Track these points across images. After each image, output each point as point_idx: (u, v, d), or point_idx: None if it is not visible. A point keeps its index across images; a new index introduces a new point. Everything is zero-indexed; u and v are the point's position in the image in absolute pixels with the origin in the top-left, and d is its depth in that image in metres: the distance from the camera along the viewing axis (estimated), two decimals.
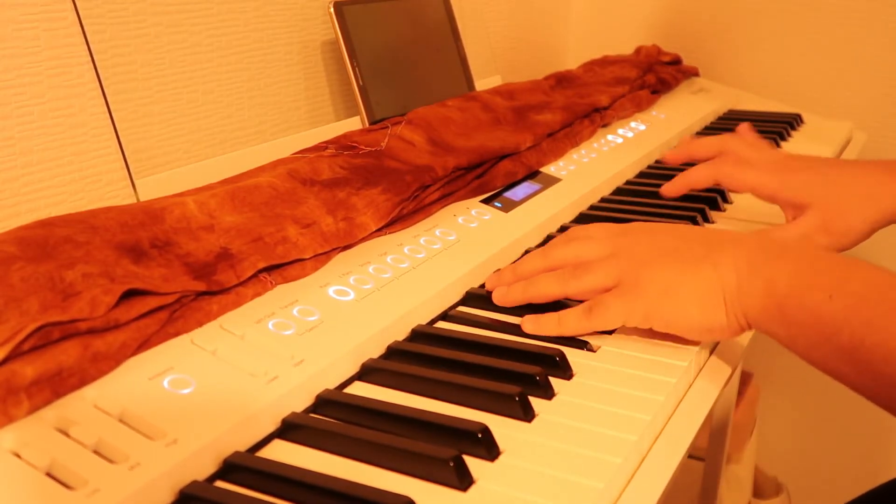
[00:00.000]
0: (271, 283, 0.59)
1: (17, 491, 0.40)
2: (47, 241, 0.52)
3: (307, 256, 0.62)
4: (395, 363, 0.58)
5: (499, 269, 0.69)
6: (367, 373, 0.57)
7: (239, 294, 0.57)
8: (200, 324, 0.54)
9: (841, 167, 0.80)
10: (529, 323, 0.62)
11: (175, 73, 0.80)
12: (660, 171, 1.04)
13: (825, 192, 0.77)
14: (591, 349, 0.60)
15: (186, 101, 0.81)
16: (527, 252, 0.77)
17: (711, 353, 0.63)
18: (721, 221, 0.88)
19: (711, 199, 0.91)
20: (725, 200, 0.93)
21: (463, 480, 0.45)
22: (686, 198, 0.92)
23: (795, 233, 0.76)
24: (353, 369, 0.57)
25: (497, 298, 0.65)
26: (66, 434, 0.43)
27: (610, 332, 0.62)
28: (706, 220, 0.87)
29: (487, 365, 0.56)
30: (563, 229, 0.83)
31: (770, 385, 1.56)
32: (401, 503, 0.43)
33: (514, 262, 0.68)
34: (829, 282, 0.54)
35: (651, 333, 0.61)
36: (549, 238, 0.81)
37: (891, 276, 0.53)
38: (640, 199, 0.93)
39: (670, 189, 0.85)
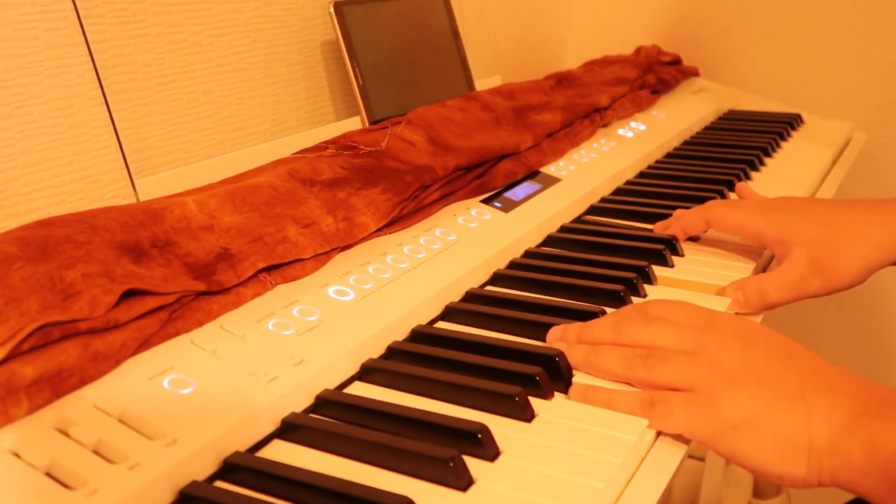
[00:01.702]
0: (271, 283, 0.59)
1: (16, 491, 0.40)
2: (47, 241, 0.52)
3: (307, 256, 0.62)
4: (395, 363, 0.58)
5: (563, 325, 0.62)
6: (367, 373, 0.57)
7: (239, 294, 0.57)
8: (200, 324, 0.54)
9: (829, 205, 0.75)
10: (578, 392, 0.55)
11: (175, 73, 0.80)
12: (660, 171, 1.04)
13: (812, 229, 0.72)
14: None
15: (186, 101, 0.81)
16: (526, 252, 0.77)
17: None
18: None
19: (711, 199, 0.91)
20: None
21: (463, 480, 0.45)
22: (686, 198, 0.92)
23: (782, 278, 0.69)
24: (353, 369, 0.57)
25: (560, 350, 0.58)
26: (66, 434, 0.43)
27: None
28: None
29: (487, 365, 0.56)
30: (563, 229, 0.84)
31: None
32: (401, 503, 0.43)
33: (585, 322, 0.61)
34: None
35: None
36: (549, 238, 0.81)
37: None
38: (640, 199, 0.93)
39: (663, 231, 0.81)
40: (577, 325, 0.61)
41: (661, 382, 0.54)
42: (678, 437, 0.52)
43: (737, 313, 0.68)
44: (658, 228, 0.82)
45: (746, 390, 0.52)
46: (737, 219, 0.76)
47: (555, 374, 0.56)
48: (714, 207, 0.78)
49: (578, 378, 0.57)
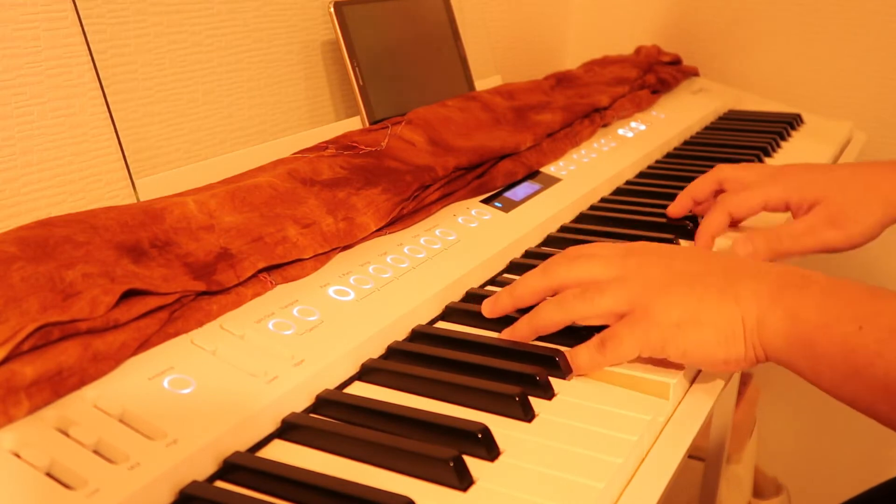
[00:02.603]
0: (271, 283, 0.59)
1: (16, 491, 0.40)
2: (47, 241, 0.52)
3: (307, 256, 0.62)
4: (395, 363, 0.58)
5: (493, 296, 0.63)
6: (367, 373, 0.57)
7: (239, 294, 0.57)
8: (200, 324, 0.54)
9: (841, 166, 0.79)
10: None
11: (175, 73, 0.80)
12: (660, 171, 1.04)
13: (828, 187, 0.76)
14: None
15: (186, 101, 0.81)
16: (526, 252, 0.77)
17: None
18: None
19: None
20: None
21: (463, 480, 0.45)
22: None
23: (802, 227, 0.75)
24: (353, 369, 0.57)
25: (505, 334, 0.61)
26: (66, 434, 0.43)
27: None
28: None
29: (487, 365, 0.56)
30: (563, 229, 0.84)
31: (770, 385, 1.56)
32: (401, 503, 0.43)
33: (510, 285, 0.63)
34: (858, 312, 0.51)
35: None
36: (549, 238, 0.81)
37: None
38: (641, 199, 0.93)
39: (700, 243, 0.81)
40: (505, 289, 0.63)
41: (601, 312, 0.58)
42: (678, 437, 0.52)
43: None
44: (670, 211, 0.84)
45: (678, 292, 0.56)
46: (757, 199, 0.79)
47: (557, 372, 0.56)
48: (730, 199, 0.79)
49: (577, 380, 0.57)
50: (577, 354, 0.57)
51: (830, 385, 0.53)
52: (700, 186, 0.83)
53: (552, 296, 0.61)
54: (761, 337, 0.55)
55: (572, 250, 0.63)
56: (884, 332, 0.50)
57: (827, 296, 0.54)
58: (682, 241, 0.79)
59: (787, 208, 0.78)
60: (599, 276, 0.59)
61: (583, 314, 0.58)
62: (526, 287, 0.62)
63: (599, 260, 0.60)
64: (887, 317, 0.51)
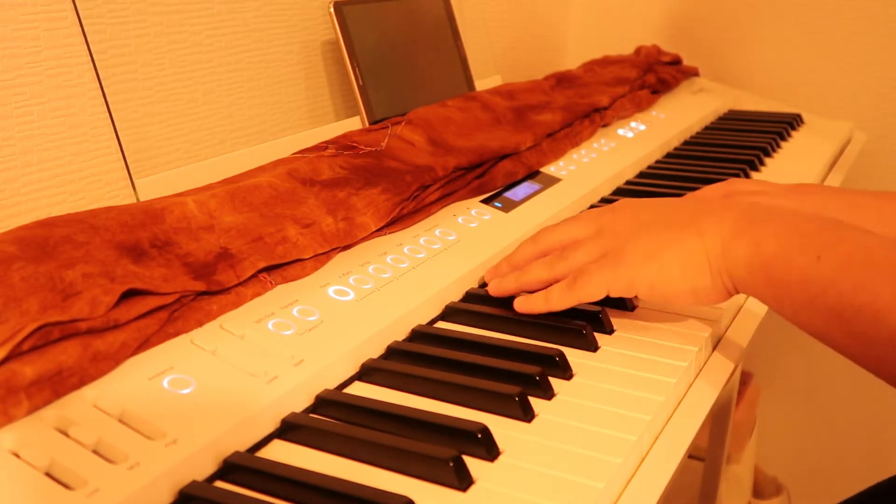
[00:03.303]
0: (271, 283, 0.59)
1: (16, 491, 0.40)
2: (47, 241, 0.52)
3: (307, 256, 0.62)
4: (395, 363, 0.58)
5: (494, 268, 0.70)
6: (367, 373, 0.57)
7: (239, 294, 0.57)
8: (200, 324, 0.54)
9: (857, 194, 0.76)
10: (520, 303, 0.63)
11: (175, 73, 0.80)
12: (660, 171, 1.04)
13: (840, 213, 0.71)
14: (611, 329, 0.63)
15: (186, 101, 0.81)
16: None
17: (711, 353, 0.63)
18: None
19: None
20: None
21: (462, 480, 0.45)
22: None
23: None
24: (353, 369, 0.57)
25: (492, 290, 0.66)
26: (66, 434, 0.43)
27: (599, 304, 0.63)
28: None
29: (487, 365, 0.56)
30: None
31: (770, 385, 1.56)
32: (400, 503, 0.43)
33: (510, 254, 0.69)
34: (818, 243, 0.54)
35: (650, 332, 0.61)
36: None
37: (879, 239, 0.54)
38: (640, 199, 0.93)
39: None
40: (504, 258, 0.69)
41: (579, 264, 0.62)
42: (678, 437, 0.52)
43: None
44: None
45: (644, 235, 0.61)
46: None
47: (556, 372, 0.56)
48: (740, 195, 0.77)
49: (577, 373, 0.57)
50: (549, 293, 0.62)
51: (791, 313, 0.55)
52: (711, 191, 0.81)
53: None
54: (727, 267, 0.57)
55: (563, 220, 0.69)
56: (839, 261, 0.52)
57: (789, 227, 0.56)
58: None
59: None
60: (579, 235, 0.65)
61: (563, 270, 0.63)
62: (520, 254, 0.68)
63: (580, 222, 0.66)
64: (844, 246, 0.53)
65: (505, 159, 0.87)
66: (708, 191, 0.82)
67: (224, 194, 0.64)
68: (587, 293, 0.61)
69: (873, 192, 0.77)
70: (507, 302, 0.67)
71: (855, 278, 0.51)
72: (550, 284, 0.64)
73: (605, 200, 0.93)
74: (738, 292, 0.59)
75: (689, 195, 0.82)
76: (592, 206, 0.90)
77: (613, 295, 0.61)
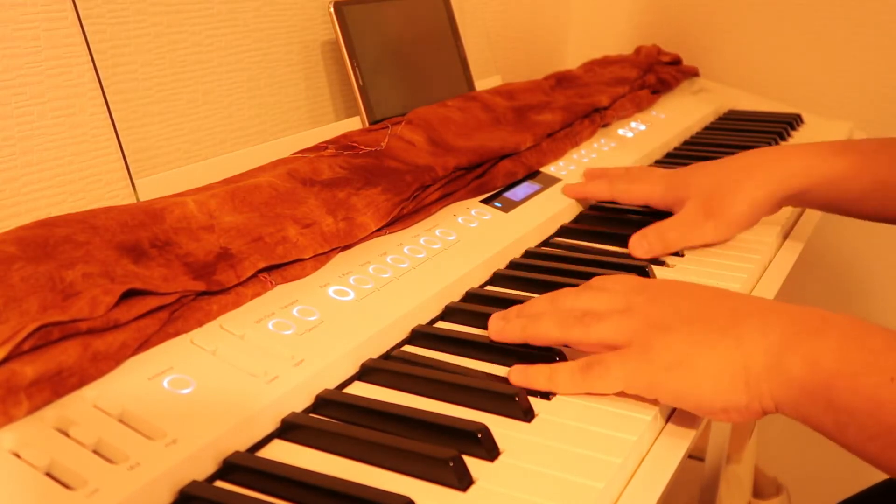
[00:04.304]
0: (271, 283, 0.59)
1: (16, 491, 0.40)
2: (47, 241, 0.52)
3: (307, 256, 0.62)
4: (395, 363, 0.58)
5: (500, 315, 0.61)
6: (367, 373, 0.57)
7: (239, 294, 0.57)
8: (200, 324, 0.54)
9: (723, 159, 0.83)
10: (516, 374, 0.55)
11: (175, 73, 0.80)
12: None
13: (703, 181, 0.79)
14: None
15: (186, 101, 0.81)
16: (526, 252, 0.77)
17: None
18: None
19: None
20: None
21: (462, 480, 0.45)
22: None
23: (678, 221, 0.77)
24: (353, 369, 0.57)
25: (494, 333, 0.59)
26: (66, 434, 0.43)
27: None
28: None
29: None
30: (563, 229, 0.84)
31: None
32: (401, 503, 0.43)
33: (521, 304, 0.62)
34: (888, 362, 0.46)
35: None
36: (549, 238, 0.81)
37: None
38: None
39: (568, 191, 0.88)
40: (515, 307, 0.61)
41: (597, 340, 0.55)
42: (678, 437, 0.52)
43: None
44: (564, 190, 0.88)
45: (677, 333, 0.52)
46: (641, 192, 0.84)
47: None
48: (618, 183, 0.85)
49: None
50: (557, 371, 0.54)
51: (856, 442, 0.48)
52: (596, 190, 0.88)
53: None
54: (770, 386, 0.49)
55: (590, 281, 0.61)
56: None
57: (850, 341, 0.48)
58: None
59: (667, 206, 0.82)
60: (604, 308, 0.57)
61: (579, 338, 0.56)
62: (533, 309, 0.60)
63: (609, 292, 0.58)
64: None
65: (505, 159, 0.87)
66: (594, 186, 0.87)
67: (224, 194, 0.64)
68: (600, 385, 0.53)
69: (725, 158, 0.82)
70: (507, 302, 0.67)
71: None
72: (558, 345, 0.57)
73: (605, 200, 0.92)
74: (776, 412, 0.51)
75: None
76: (592, 207, 0.90)
77: (629, 393, 0.53)
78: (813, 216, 0.93)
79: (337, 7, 0.91)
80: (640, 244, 0.76)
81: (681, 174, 0.83)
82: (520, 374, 0.55)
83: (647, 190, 0.83)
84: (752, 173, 0.78)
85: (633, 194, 0.84)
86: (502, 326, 0.59)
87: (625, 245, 0.78)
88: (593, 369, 0.53)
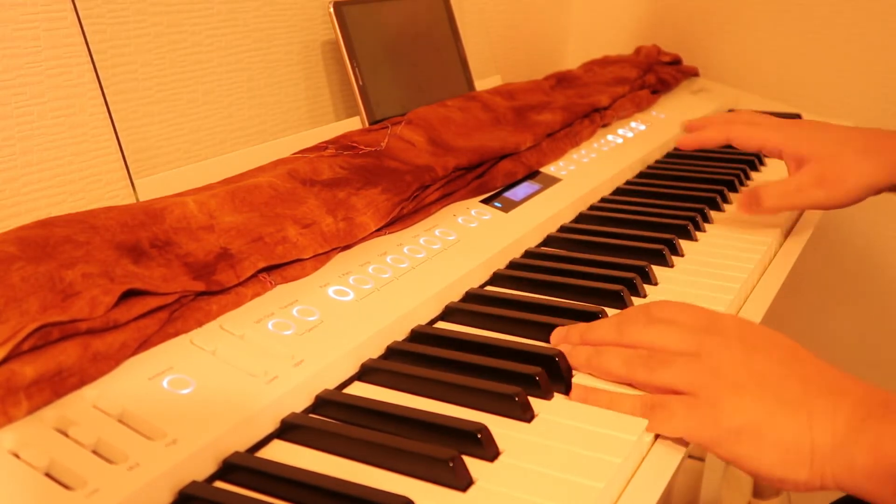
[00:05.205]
0: (271, 283, 0.59)
1: (16, 491, 0.40)
2: (47, 241, 0.52)
3: (307, 256, 0.62)
4: (395, 363, 0.58)
5: (567, 327, 0.61)
6: (367, 373, 0.57)
7: (239, 294, 0.57)
8: (200, 324, 0.54)
9: (845, 128, 0.84)
10: (578, 394, 0.55)
11: (175, 73, 0.80)
12: (660, 171, 1.04)
13: (824, 146, 0.80)
14: None
15: (186, 101, 0.81)
16: (526, 252, 0.77)
17: None
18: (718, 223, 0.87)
19: (711, 199, 0.91)
20: (725, 200, 0.93)
21: (462, 480, 0.45)
22: (686, 198, 0.92)
23: (793, 185, 0.79)
24: (353, 369, 0.57)
25: (562, 350, 0.58)
26: (66, 434, 0.43)
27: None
28: (699, 228, 0.87)
29: (487, 365, 0.56)
30: (563, 229, 0.83)
31: None
32: (401, 503, 0.43)
33: (588, 323, 0.61)
34: None
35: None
36: (549, 238, 0.81)
37: None
38: (640, 199, 0.93)
39: (685, 143, 0.89)
40: (580, 326, 0.60)
41: (662, 384, 0.54)
42: (678, 440, 0.52)
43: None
44: (681, 143, 0.90)
45: (748, 396, 0.51)
46: (757, 137, 0.85)
47: (554, 375, 0.56)
48: (735, 125, 0.87)
49: (578, 379, 0.57)
50: (618, 403, 0.54)
51: None
52: (710, 138, 0.88)
53: None
54: (834, 469, 0.49)
55: (655, 309, 0.59)
56: None
57: None
58: (682, 241, 0.79)
59: (780, 156, 0.84)
60: (673, 346, 0.55)
61: (644, 380, 0.55)
62: (598, 335, 0.59)
63: (677, 329, 0.56)
64: None
65: (505, 159, 0.87)
66: (709, 132, 0.87)
67: (224, 194, 0.64)
68: (663, 429, 0.52)
69: (854, 128, 0.83)
70: (506, 302, 0.67)
71: None
72: (622, 382, 0.56)
73: (605, 200, 0.93)
74: (836, 489, 0.50)
75: (699, 122, 0.90)
76: (592, 207, 0.90)
77: (688, 440, 0.52)
78: (813, 216, 0.93)
79: (337, 7, 0.91)
80: (750, 203, 0.81)
81: (799, 130, 0.84)
82: (581, 393, 0.55)
83: (764, 136, 0.84)
84: (873, 155, 0.79)
85: (751, 138, 0.85)
86: (568, 351, 0.58)
87: (625, 245, 0.78)
88: (657, 412, 0.52)
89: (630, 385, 0.56)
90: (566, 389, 0.55)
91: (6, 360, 0.44)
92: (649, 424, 0.52)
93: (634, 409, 0.53)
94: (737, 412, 0.51)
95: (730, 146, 1.13)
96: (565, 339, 0.60)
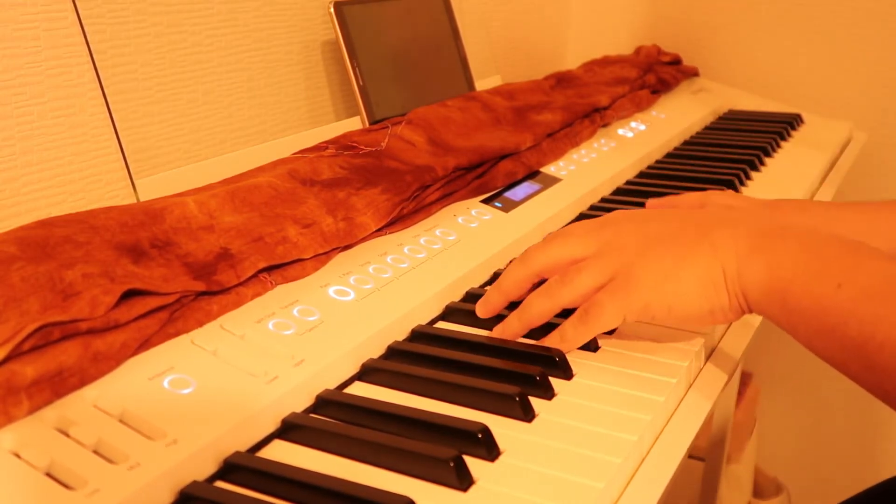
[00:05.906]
0: (271, 283, 0.59)
1: (16, 491, 0.40)
2: (47, 241, 0.52)
3: (307, 256, 0.62)
4: (395, 363, 0.58)
5: (484, 296, 0.63)
6: (367, 373, 0.57)
7: (239, 294, 0.57)
8: (200, 324, 0.54)
9: (839, 207, 0.75)
10: (552, 340, 0.58)
11: (175, 73, 0.80)
12: (660, 171, 1.04)
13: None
14: (596, 347, 0.60)
15: (186, 101, 0.81)
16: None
17: (711, 353, 0.63)
18: None
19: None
20: None
21: (463, 480, 0.45)
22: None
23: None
24: (353, 369, 0.57)
25: (498, 334, 0.61)
26: (66, 434, 0.43)
27: (611, 332, 0.61)
28: None
29: (487, 365, 0.56)
30: None
31: (770, 385, 1.56)
32: (401, 503, 0.43)
33: (496, 281, 0.63)
34: (837, 270, 0.51)
35: (650, 334, 0.61)
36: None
37: None
38: (641, 199, 0.93)
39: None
40: (492, 286, 0.63)
41: (585, 290, 0.57)
42: (678, 437, 0.52)
43: None
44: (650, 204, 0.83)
45: (654, 253, 0.56)
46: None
47: (557, 372, 0.56)
48: (715, 203, 0.77)
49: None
50: (563, 331, 0.57)
51: (805, 339, 0.53)
52: (686, 200, 0.79)
53: (538, 284, 0.61)
54: (742, 286, 0.55)
55: (547, 236, 0.63)
56: (859, 292, 0.50)
57: (806, 250, 0.54)
58: None
59: None
60: (576, 254, 0.59)
61: (569, 298, 0.58)
62: (510, 279, 0.62)
63: (574, 238, 0.60)
64: (864, 276, 0.50)
65: (505, 159, 0.87)
66: (685, 198, 0.79)
67: (224, 194, 0.64)
68: (602, 324, 0.56)
69: (854, 205, 0.75)
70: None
71: (876, 311, 0.49)
72: (555, 314, 0.59)
73: (605, 200, 0.93)
74: (750, 312, 0.56)
75: (666, 201, 0.79)
76: (592, 207, 0.90)
77: (630, 321, 0.57)
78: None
79: (337, 7, 0.91)
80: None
81: (789, 216, 0.72)
82: (539, 343, 0.58)
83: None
84: (873, 231, 0.71)
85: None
86: (503, 329, 0.61)
87: None
88: (590, 313, 0.56)
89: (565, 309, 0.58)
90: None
91: (6, 360, 0.44)
92: (590, 328, 0.56)
93: (576, 326, 0.57)
94: (650, 269, 0.56)
95: (730, 146, 1.13)
96: (487, 304, 0.62)
